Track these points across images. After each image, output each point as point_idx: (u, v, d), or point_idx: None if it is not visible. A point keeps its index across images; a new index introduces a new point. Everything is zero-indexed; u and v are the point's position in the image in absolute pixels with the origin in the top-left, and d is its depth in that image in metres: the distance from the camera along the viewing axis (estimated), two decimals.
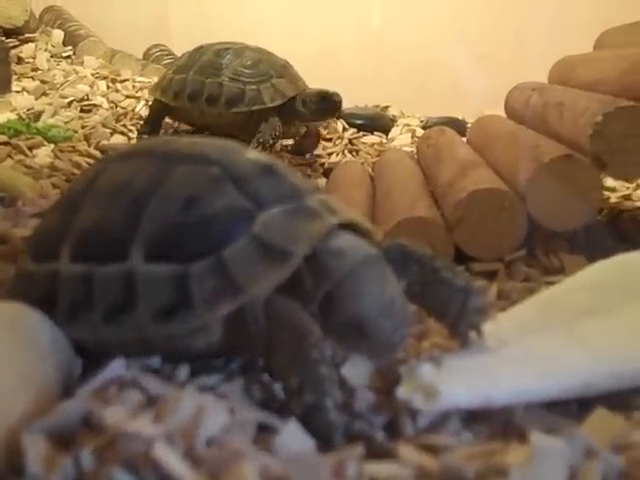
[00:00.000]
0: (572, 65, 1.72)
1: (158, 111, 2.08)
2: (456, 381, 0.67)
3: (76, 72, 2.64)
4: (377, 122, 2.52)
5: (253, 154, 0.79)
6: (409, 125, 2.56)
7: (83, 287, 0.72)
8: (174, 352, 0.72)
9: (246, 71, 1.95)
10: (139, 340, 0.71)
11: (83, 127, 2.11)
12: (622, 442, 0.63)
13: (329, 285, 0.69)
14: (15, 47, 2.77)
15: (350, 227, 0.75)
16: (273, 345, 0.68)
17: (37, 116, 2.17)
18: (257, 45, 2.06)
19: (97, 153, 1.86)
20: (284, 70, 1.97)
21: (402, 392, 0.66)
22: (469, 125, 2.15)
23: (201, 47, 2.06)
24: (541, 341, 0.76)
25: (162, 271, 0.70)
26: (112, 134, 2.11)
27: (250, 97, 1.91)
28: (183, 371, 0.71)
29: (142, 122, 2.14)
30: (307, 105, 1.91)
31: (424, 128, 2.46)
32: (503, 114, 1.85)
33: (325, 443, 0.61)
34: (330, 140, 2.32)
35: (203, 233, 0.70)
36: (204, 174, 0.74)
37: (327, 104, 1.90)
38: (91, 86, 2.51)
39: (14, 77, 2.50)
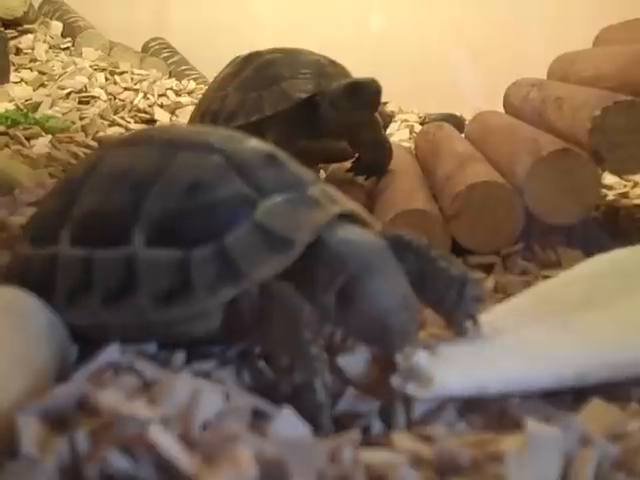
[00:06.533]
0: (572, 61, 1.72)
1: None
2: (451, 368, 0.67)
3: (74, 64, 2.65)
4: None
5: (255, 143, 0.79)
6: (407, 121, 2.56)
7: (83, 271, 0.72)
8: (173, 338, 0.72)
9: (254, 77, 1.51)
10: (138, 325, 0.71)
11: (81, 118, 2.11)
12: (617, 431, 0.62)
13: (346, 276, 0.68)
14: (14, 38, 2.78)
15: (350, 217, 0.75)
16: (265, 325, 0.68)
17: (35, 107, 2.17)
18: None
19: (94, 144, 1.86)
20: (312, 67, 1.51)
21: (397, 380, 0.66)
22: (467, 122, 2.15)
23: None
24: (536, 331, 0.76)
25: (163, 256, 0.70)
26: (110, 126, 2.11)
27: (250, 107, 1.46)
28: (179, 357, 0.71)
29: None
30: (335, 104, 1.41)
31: (422, 124, 2.46)
32: (501, 111, 1.85)
33: (311, 424, 0.61)
34: None
35: (205, 219, 0.70)
36: (206, 161, 0.74)
37: (359, 96, 1.38)
38: (89, 78, 2.51)
39: (12, 68, 2.50)
